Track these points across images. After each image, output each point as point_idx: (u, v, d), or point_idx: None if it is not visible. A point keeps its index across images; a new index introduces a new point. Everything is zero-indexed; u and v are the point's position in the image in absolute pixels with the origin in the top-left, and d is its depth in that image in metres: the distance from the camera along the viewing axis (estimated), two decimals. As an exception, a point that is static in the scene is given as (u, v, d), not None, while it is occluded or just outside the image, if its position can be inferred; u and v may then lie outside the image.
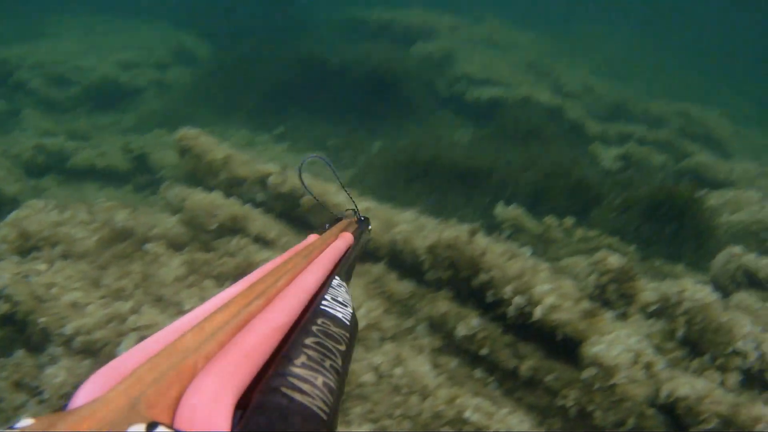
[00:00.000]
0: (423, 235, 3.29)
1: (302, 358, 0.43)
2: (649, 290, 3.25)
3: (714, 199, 6.01)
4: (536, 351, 2.87)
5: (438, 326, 3.08)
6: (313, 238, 0.87)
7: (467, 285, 3.11)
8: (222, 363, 0.37)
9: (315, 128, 8.22)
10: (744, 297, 3.61)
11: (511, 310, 2.89)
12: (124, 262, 3.16)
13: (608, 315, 2.99)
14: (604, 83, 11.96)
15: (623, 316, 3.14)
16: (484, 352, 2.90)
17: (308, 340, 0.46)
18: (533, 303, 2.86)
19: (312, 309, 0.53)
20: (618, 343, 2.73)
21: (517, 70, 10.71)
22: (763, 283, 3.95)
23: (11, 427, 0.27)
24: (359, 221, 1.12)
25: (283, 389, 0.38)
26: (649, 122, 9.77)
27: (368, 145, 7.75)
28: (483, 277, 3.00)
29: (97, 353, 2.52)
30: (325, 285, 0.63)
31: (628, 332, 2.83)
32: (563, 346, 2.85)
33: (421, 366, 2.68)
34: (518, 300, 2.87)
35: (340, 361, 0.46)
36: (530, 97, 8.70)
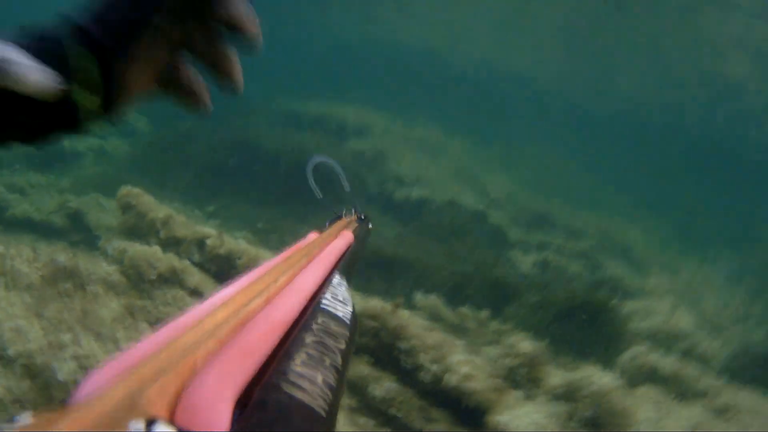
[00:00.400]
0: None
1: (302, 357, 0.43)
2: (556, 375, 3.58)
3: (626, 308, 6.46)
4: (446, 416, 3.11)
5: (356, 387, 3.33)
6: (313, 236, 0.87)
7: (387, 352, 3.39)
8: (222, 361, 0.37)
9: (246, 210, 8.45)
10: (648, 390, 3.96)
11: (426, 377, 3.14)
12: (66, 300, 3.35)
13: (516, 393, 3.35)
14: (529, 194, 12.61)
15: (530, 397, 3.46)
16: (394, 413, 3.15)
17: (308, 339, 0.46)
18: (448, 371, 3.10)
19: (312, 307, 0.54)
20: (524, 417, 3.05)
21: (446, 174, 11.30)
22: (664, 378, 4.35)
23: (12, 420, 0.27)
24: (359, 220, 1.12)
25: (283, 387, 0.38)
26: (569, 233, 10.19)
27: (297, 230, 7.99)
28: (403, 344, 3.28)
29: (36, 376, 2.64)
30: (325, 283, 0.63)
31: (534, 408, 3.18)
32: (471, 415, 3.11)
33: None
34: (435, 367, 3.13)
35: (340, 360, 0.46)
36: (456, 200, 9.10)
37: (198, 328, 0.41)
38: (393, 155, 10.70)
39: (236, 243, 4.35)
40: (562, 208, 12.37)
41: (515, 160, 17.72)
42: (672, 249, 13.26)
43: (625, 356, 4.65)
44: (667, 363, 4.40)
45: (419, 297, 5.22)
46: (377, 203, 8.96)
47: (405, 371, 3.26)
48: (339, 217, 1.12)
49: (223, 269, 4.17)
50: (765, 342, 6.76)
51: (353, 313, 0.58)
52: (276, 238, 7.40)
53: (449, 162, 12.61)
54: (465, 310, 4.97)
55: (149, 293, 3.65)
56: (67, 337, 2.83)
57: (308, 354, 0.44)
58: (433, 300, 5.18)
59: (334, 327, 0.51)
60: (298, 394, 0.38)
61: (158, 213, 4.54)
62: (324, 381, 0.41)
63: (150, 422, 0.28)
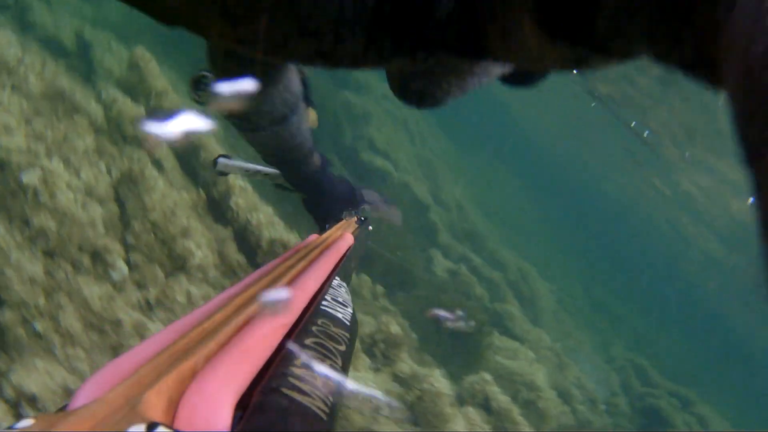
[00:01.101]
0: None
1: (302, 359, 0.43)
2: (406, 363, 3.75)
3: (499, 341, 6.61)
4: None
5: None
6: (313, 238, 0.87)
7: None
8: (222, 363, 0.37)
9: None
10: (472, 412, 4.14)
11: None
12: (53, 119, 3.54)
13: (367, 361, 3.49)
14: (474, 210, 12.82)
15: (377, 369, 3.62)
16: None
17: (308, 341, 0.46)
18: None
19: (312, 309, 0.53)
20: (362, 382, 3.25)
21: (412, 160, 11.50)
22: (493, 411, 4.60)
23: (11, 428, 0.27)
24: (359, 222, 1.12)
25: (283, 389, 0.38)
26: (490, 260, 10.46)
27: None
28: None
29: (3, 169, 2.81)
30: (325, 285, 0.63)
31: (373, 378, 3.37)
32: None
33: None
34: None
35: (340, 362, 0.46)
36: (409, 184, 9.28)
37: (198, 330, 0.41)
38: (377, 121, 10.53)
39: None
40: (499, 236, 12.75)
41: (482, 176, 18.07)
42: (580, 314, 13.60)
43: (471, 378, 4.85)
44: (502, 399, 4.65)
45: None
46: (343, 154, 8.86)
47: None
48: (339, 220, 1.12)
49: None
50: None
51: (353, 315, 0.58)
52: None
53: (423, 150, 12.77)
54: (367, 278, 5.10)
55: (121, 146, 3.75)
56: (42, 149, 3.00)
57: (308, 356, 0.44)
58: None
59: (334, 329, 0.51)
60: (298, 397, 0.38)
61: (157, 83, 4.54)
62: (324, 383, 0.41)
63: (150, 426, 0.28)
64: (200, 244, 3.22)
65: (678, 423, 9.37)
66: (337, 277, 0.68)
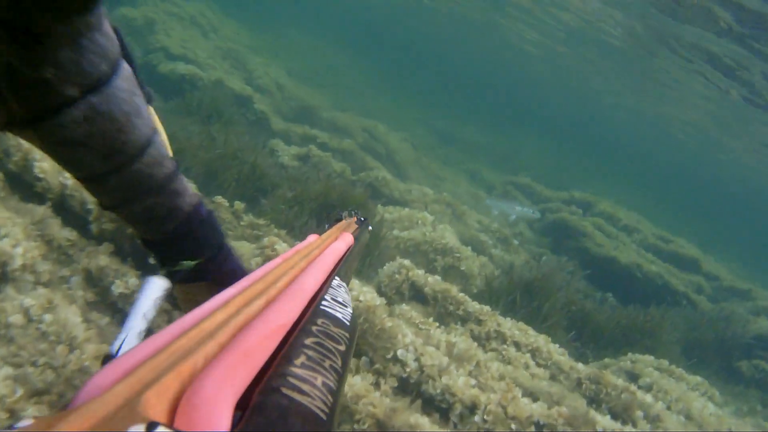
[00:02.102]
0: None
1: (302, 359, 0.43)
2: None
3: (388, 213, 6.18)
4: None
5: (95, 280, 2.93)
6: (313, 238, 0.87)
7: (130, 243, 3.00)
8: (222, 363, 0.37)
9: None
10: (407, 309, 3.85)
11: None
12: None
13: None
14: (298, 86, 12.16)
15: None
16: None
17: (308, 341, 0.46)
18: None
19: (312, 309, 0.53)
20: None
21: (215, 54, 10.80)
22: (428, 298, 4.28)
23: (11, 428, 0.27)
24: (359, 222, 1.12)
25: (283, 389, 0.38)
26: (335, 131, 9.99)
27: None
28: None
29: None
30: (324, 285, 0.63)
31: None
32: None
33: (72, 317, 2.56)
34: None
35: (339, 362, 0.46)
36: (222, 81, 8.63)
37: (197, 330, 0.41)
38: (163, 27, 10.15)
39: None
40: (329, 103, 12.12)
41: (288, 49, 17.44)
42: (432, 159, 13.33)
43: (386, 270, 4.38)
44: (430, 282, 4.28)
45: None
46: (140, 75, 8.63)
47: (152, 266, 2.72)
48: (338, 219, 1.13)
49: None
50: (525, 267, 6.94)
51: (353, 315, 0.58)
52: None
53: (221, 42, 12.14)
54: (220, 199, 4.45)
55: None
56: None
57: (308, 356, 0.44)
58: (185, 184, 4.95)
59: (333, 329, 0.51)
60: (298, 397, 0.38)
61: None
62: (324, 383, 0.41)
63: (150, 425, 0.28)
64: (16, 238, 2.67)
65: (587, 226, 9.55)
66: (336, 277, 0.68)
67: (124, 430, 0.27)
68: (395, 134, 11.78)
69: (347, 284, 0.70)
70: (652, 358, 5.07)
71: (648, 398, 3.85)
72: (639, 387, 4.19)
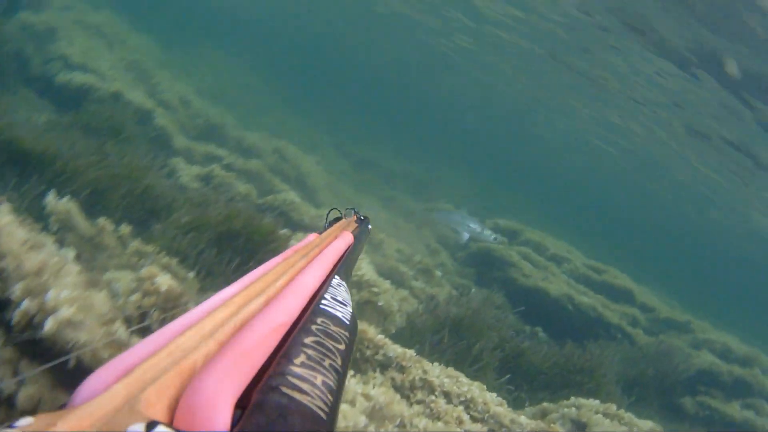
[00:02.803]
0: None
1: (302, 358, 0.43)
2: None
3: (296, 241, 5.16)
4: (45, 375, 2.18)
5: None
6: (313, 237, 0.87)
7: None
8: (222, 362, 0.37)
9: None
10: None
11: (17, 316, 2.17)
12: None
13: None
14: (205, 103, 11.74)
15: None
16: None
17: (308, 340, 0.46)
18: (45, 311, 2.20)
19: (312, 308, 0.53)
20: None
21: (119, 66, 10.28)
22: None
23: (11, 426, 0.27)
24: (359, 221, 1.12)
25: (283, 388, 0.38)
26: (242, 151, 9.54)
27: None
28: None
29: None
30: (324, 284, 0.63)
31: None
32: (79, 376, 2.01)
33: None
34: (28, 304, 2.19)
35: (339, 361, 0.46)
36: (122, 93, 8.16)
37: (198, 329, 0.41)
38: (66, 35, 9.52)
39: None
40: (237, 123, 11.72)
41: (195, 65, 16.95)
42: (357, 180, 13.07)
43: None
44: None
45: (51, 199, 4.07)
46: (36, 85, 7.86)
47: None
48: (338, 218, 1.12)
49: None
50: (450, 300, 6.45)
51: (353, 314, 0.58)
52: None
53: (126, 54, 11.57)
54: (104, 221, 3.96)
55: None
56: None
57: (308, 355, 0.43)
58: (67, 205, 4.07)
59: (333, 328, 0.51)
60: (298, 396, 0.38)
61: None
62: (323, 382, 0.41)
63: (150, 424, 0.28)
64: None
65: (513, 256, 9.07)
66: (336, 276, 0.68)
67: (124, 429, 0.27)
68: (308, 157, 11.38)
69: (347, 283, 0.70)
70: (597, 402, 4.59)
71: None
72: None
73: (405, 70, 34.73)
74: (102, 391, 0.31)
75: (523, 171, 39.53)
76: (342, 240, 0.85)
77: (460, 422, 3.28)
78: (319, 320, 0.51)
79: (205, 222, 4.57)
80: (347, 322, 0.54)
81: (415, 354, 3.62)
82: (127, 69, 10.68)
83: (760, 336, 16.56)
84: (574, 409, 4.39)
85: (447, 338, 4.82)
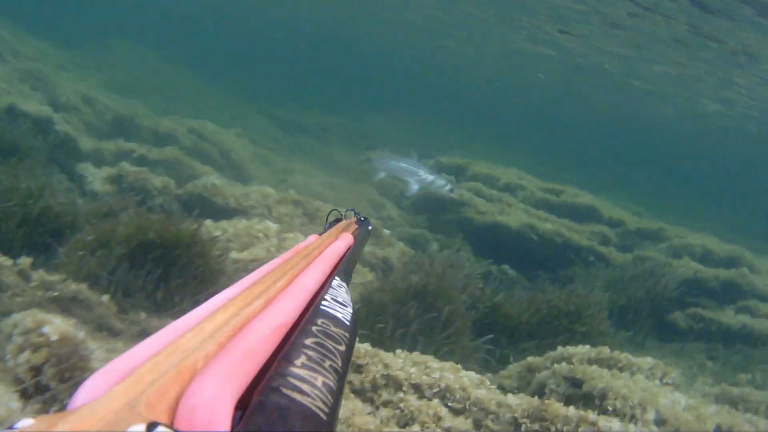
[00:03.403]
0: None
1: (302, 359, 0.43)
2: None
3: (220, 230, 4.87)
4: None
5: None
6: (313, 238, 0.87)
7: None
8: (222, 363, 0.37)
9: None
10: None
11: None
12: None
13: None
14: (114, 97, 11.17)
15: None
16: None
17: (308, 341, 0.46)
18: None
19: (312, 309, 0.54)
20: None
21: (12, 78, 9.70)
22: None
23: (11, 427, 0.27)
24: (359, 222, 1.12)
25: (283, 389, 0.38)
26: (157, 139, 8.97)
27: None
28: None
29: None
30: (325, 285, 0.63)
31: None
32: None
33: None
34: None
35: (339, 362, 0.46)
36: (16, 106, 7.47)
37: (198, 330, 0.41)
38: None
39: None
40: (148, 107, 11.25)
41: (104, 60, 16.48)
42: (290, 143, 12.56)
43: None
44: None
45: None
46: None
47: None
48: (338, 219, 1.12)
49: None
50: (411, 262, 5.71)
51: (353, 315, 0.58)
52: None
53: (20, 63, 11.05)
54: (1, 258, 3.49)
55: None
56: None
57: (308, 356, 0.44)
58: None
59: (333, 329, 0.51)
60: (298, 397, 0.38)
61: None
62: (324, 383, 0.41)
63: (150, 425, 0.28)
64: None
65: (464, 194, 8.16)
66: (337, 277, 0.68)
67: (124, 430, 0.27)
68: (228, 131, 10.77)
69: (347, 284, 0.70)
70: (588, 348, 4.01)
71: (614, 426, 2.79)
72: (585, 395, 3.29)
73: (319, 22, 33.36)
74: (102, 393, 0.31)
75: (457, 104, 37.59)
76: (342, 241, 0.85)
77: (438, 419, 2.74)
78: (319, 321, 0.51)
79: (114, 236, 3.89)
80: (348, 324, 0.54)
81: (370, 347, 3.14)
82: (22, 79, 10.12)
83: (737, 230, 16.02)
84: (564, 364, 3.78)
85: (413, 311, 4.20)
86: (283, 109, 17.85)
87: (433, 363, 3.07)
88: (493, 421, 2.80)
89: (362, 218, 1.16)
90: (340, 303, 0.59)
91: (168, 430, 0.28)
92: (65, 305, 3.02)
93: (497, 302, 4.97)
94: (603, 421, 2.80)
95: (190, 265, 3.88)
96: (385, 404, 2.78)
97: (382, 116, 21.00)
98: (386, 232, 7.07)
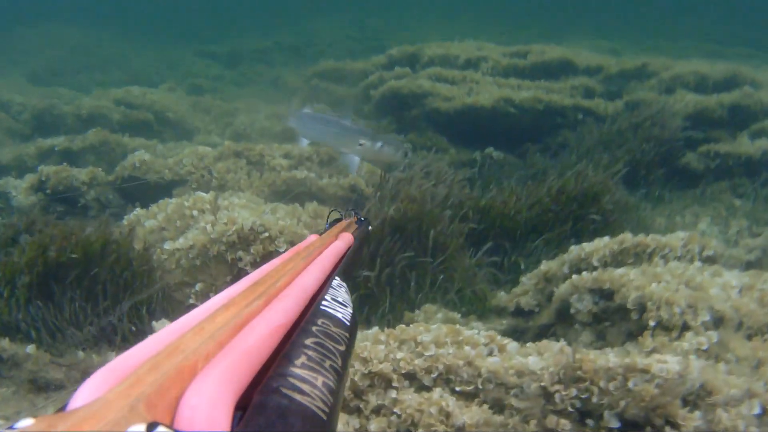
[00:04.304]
0: None
1: (302, 359, 0.43)
2: None
3: (149, 217, 4.16)
4: None
5: None
6: (313, 238, 0.87)
7: None
8: (222, 363, 0.37)
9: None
10: None
11: None
12: None
13: None
14: (34, 90, 10.39)
15: None
16: None
17: (308, 341, 0.46)
18: None
19: (312, 309, 0.54)
20: None
21: None
22: None
23: (11, 428, 0.27)
24: (359, 222, 1.12)
25: (283, 390, 0.38)
26: (82, 123, 8.13)
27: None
28: None
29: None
30: (325, 285, 0.63)
31: None
32: None
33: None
34: None
35: (339, 362, 0.46)
36: None
37: (198, 330, 0.41)
38: None
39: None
40: (75, 91, 10.47)
41: (29, 50, 15.48)
42: (233, 78, 12.09)
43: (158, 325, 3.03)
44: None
45: None
46: None
47: None
48: (338, 219, 1.13)
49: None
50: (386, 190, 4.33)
51: (353, 315, 0.58)
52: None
53: None
54: None
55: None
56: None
57: (308, 356, 0.44)
58: None
59: (333, 329, 0.51)
60: (298, 397, 0.38)
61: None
62: (324, 383, 0.41)
63: (150, 425, 0.28)
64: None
65: (424, 84, 7.47)
66: (337, 277, 0.68)
67: (124, 430, 0.27)
68: (159, 89, 9.97)
69: (347, 284, 0.70)
70: (607, 239, 3.21)
71: (671, 364, 1.86)
72: (618, 308, 2.64)
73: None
74: (102, 393, 0.31)
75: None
76: (342, 241, 0.85)
77: (446, 416, 1.97)
78: (319, 321, 0.51)
79: (15, 267, 3.14)
80: (347, 324, 0.54)
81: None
82: None
83: (723, 40, 14.56)
84: (585, 273, 2.92)
85: (397, 246, 3.51)
86: (218, 44, 17.09)
87: (422, 329, 2.19)
88: (517, 397, 2.04)
89: (362, 218, 1.16)
90: (340, 303, 0.59)
91: (168, 430, 0.28)
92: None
93: (485, 206, 4.17)
94: (656, 365, 1.90)
95: (115, 278, 3.18)
96: (377, 411, 2.05)
97: (321, 20, 19.63)
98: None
